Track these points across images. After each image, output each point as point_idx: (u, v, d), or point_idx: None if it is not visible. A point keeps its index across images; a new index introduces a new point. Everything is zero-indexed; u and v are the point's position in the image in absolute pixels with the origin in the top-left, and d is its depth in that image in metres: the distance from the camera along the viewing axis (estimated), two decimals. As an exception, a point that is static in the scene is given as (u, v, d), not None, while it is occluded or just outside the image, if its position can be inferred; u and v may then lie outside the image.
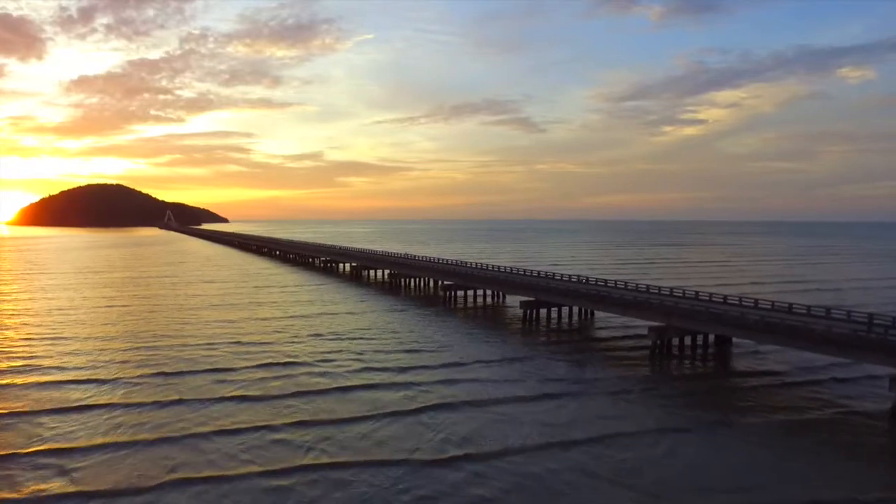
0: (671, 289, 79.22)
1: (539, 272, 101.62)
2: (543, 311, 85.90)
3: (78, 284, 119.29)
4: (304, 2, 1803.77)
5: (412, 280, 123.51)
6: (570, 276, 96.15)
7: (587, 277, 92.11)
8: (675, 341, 65.92)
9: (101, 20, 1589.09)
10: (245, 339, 63.36)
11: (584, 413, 41.26)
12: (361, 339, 64.12)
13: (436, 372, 50.76)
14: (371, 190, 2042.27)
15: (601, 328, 76.03)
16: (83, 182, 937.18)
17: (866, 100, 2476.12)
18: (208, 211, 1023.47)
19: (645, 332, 68.73)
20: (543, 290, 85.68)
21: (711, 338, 66.96)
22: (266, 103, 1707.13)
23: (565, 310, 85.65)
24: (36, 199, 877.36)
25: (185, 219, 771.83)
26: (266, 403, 42.01)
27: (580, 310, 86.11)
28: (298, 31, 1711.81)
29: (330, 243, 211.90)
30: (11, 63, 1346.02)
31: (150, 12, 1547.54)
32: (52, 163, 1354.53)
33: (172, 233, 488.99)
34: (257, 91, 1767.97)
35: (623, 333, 72.01)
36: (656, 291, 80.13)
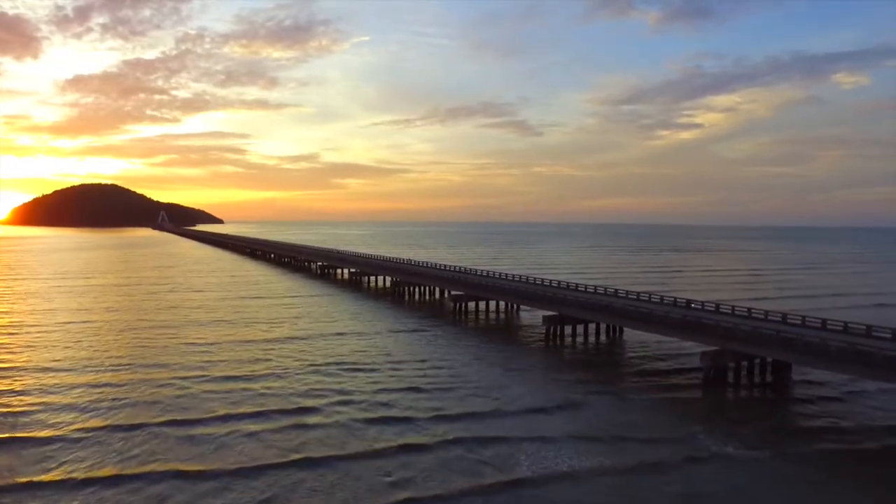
0: (716, 304, 69.04)
1: (561, 283, 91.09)
2: (568, 328, 75.60)
3: (49, 292, 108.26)
4: (300, 3, 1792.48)
5: (416, 288, 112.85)
6: (595, 287, 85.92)
7: (616, 289, 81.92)
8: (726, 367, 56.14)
9: (98, 20, 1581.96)
10: (222, 373, 51.80)
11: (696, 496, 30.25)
12: (362, 371, 52.80)
13: (465, 426, 39.25)
14: (367, 192, 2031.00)
15: (639, 352, 65.34)
16: (78, 182, 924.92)
17: (861, 105, 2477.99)
18: (203, 212, 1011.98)
19: (688, 354, 61.17)
20: (570, 304, 75.01)
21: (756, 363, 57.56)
22: (262, 104, 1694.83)
23: (590, 326, 75.33)
24: (30, 198, 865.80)
25: (180, 219, 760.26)
26: (230, 485, 30.54)
27: (608, 327, 75.80)
28: (295, 33, 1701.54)
29: (327, 247, 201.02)
30: (7, 62, 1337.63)
31: (147, 12, 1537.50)
32: (47, 162, 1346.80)
33: (166, 234, 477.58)
34: (253, 92, 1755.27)
35: (667, 360, 61.30)
36: (699, 307, 69.97)
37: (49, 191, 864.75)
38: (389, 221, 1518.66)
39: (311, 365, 54.43)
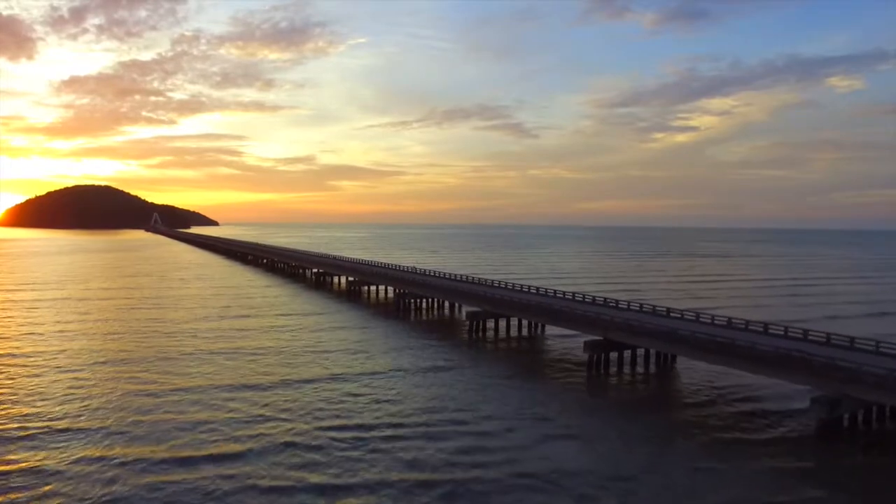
0: (804, 330, 55.07)
1: (596, 298, 76.90)
2: (612, 354, 61.91)
3: (1, 307, 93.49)
4: (297, 5, 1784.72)
5: (423, 301, 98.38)
6: (640, 305, 71.96)
7: (668, 308, 68.09)
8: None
9: (93, 21, 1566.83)
10: (163, 450, 35.07)
11: None
12: (366, 445, 36.49)
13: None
14: (364, 194, 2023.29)
15: (712, 395, 50.91)
16: (73, 183, 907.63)
17: (856, 109, 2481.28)
18: (198, 213, 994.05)
19: (769, 394, 49.89)
20: (620, 328, 60.92)
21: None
22: (258, 106, 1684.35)
23: (628, 352, 61.83)
24: (24, 199, 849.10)
25: (175, 221, 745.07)
26: None
27: (658, 354, 62.08)
28: (291, 34, 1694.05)
29: (324, 252, 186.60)
30: (1, 62, 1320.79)
31: (143, 13, 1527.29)
32: (43, 163, 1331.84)
33: (158, 236, 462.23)
34: (249, 94, 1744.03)
35: (762, 416, 46.54)
36: (781, 332, 56.02)
37: (43, 192, 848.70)
38: (386, 224, 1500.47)
39: (293, 433, 38.00)
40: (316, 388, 48.63)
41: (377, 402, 45.30)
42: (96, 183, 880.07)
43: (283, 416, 41.56)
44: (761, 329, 58.68)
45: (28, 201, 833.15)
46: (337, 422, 40.49)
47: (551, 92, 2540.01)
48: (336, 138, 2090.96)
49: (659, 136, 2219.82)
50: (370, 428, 39.30)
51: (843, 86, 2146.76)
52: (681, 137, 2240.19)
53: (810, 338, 54.80)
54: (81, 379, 51.01)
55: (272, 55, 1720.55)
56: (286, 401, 44.90)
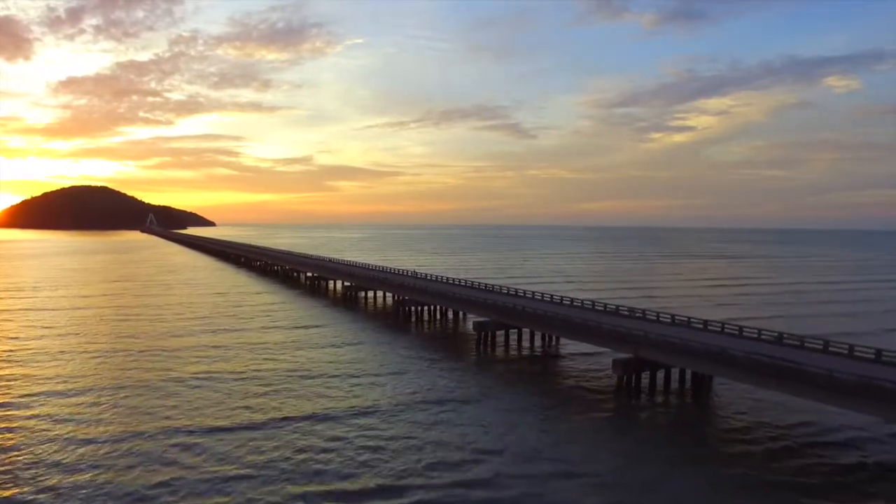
0: (877, 350, 46.53)
1: (617, 307, 68.25)
2: (644, 375, 54.00)
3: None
4: (294, 5, 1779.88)
5: (424, 309, 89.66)
6: (673, 317, 63.22)
7: (705, 321, 59.36)
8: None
9: (90, 21, 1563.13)
10: None
11: None
12: None
13: None
14: (362, 194, 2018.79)
15: (764, 421, 41.87)
16: (70, 184, 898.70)
17: (853, 109, 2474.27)
18: (195, 214, 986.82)
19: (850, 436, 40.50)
20: (656, 345, 52.30)
21: None
22: (256, 106, 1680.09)
23: (661, 371, 54.30)
24: (21, 200, 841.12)
25: (172, 222, 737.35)
26: None
27: (693, 373, 53.50)
28: (288, 35, 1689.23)
29: (320, 254, 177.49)
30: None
31: (140, 14, 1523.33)
32: (40, 164, 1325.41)
33: (152, 237, 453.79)
34: (247, 94, 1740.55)
35: (834, 447, 37.70)
36: (845, 351, 47.39)
37: (40, 193, 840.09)
38: (384, 224, 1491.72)
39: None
40: (293, 430, 39.21)
41: (367, 451, 36.02)
42: (94, 184, 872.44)
43: (244, 473, 32.35)
44: (820, 346, 49.99)
45: (25, 202, 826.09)
46: (314, 485, 31.19)
47: (549, 92, 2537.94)
48: (334, 139, 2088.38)
49: (657, 136, 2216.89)
50: (357, 498, 30.01)
51: (841, 86, 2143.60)
52: (679, 137, 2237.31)
53: (884, 358, 46.17)
54: (4, 418, 41.83)
55: (269, 56, 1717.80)
56: (251, 451, 35.55)
